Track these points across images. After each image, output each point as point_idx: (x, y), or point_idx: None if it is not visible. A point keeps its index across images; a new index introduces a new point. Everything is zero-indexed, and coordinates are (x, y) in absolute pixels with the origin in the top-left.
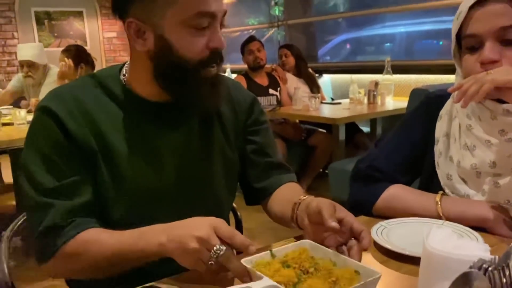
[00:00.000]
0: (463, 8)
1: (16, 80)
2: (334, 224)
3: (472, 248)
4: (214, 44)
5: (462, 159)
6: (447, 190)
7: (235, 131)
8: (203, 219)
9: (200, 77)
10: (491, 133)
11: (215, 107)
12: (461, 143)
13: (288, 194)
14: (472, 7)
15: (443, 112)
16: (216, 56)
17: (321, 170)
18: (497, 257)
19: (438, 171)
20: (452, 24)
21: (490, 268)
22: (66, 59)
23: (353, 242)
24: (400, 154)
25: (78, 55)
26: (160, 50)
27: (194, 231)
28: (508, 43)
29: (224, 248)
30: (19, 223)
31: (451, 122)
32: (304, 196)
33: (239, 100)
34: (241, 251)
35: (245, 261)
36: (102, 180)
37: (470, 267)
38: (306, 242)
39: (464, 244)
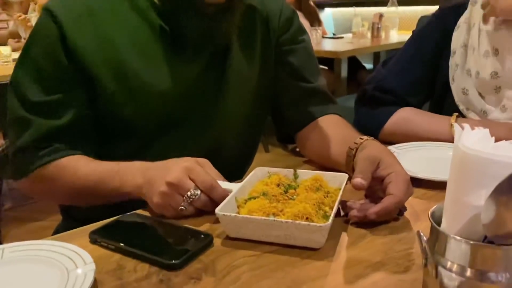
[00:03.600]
0: None
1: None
2: (356, 180)
3: None
4: None
5: (481, 69)
6: (461, 107)
7: (262, 46)
8: (180, 160)
9: None
10: None
11: (221, 41)
12: (481, 51)
13: (340, 130)
14: None
15: (462, 20)
16: None
17: None
18: None
19: (452, 86)
20: None
21: None
22: None
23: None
24: (411, 72)
25: None
26: None
27: (166, 174)
28: None
29: (199, 192)
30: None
31: (469, 31)
32: (362, 139)
33: (273, 12)
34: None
35: (261, 169)
36: (107, 97)
37: None
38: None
39: (505, 145)
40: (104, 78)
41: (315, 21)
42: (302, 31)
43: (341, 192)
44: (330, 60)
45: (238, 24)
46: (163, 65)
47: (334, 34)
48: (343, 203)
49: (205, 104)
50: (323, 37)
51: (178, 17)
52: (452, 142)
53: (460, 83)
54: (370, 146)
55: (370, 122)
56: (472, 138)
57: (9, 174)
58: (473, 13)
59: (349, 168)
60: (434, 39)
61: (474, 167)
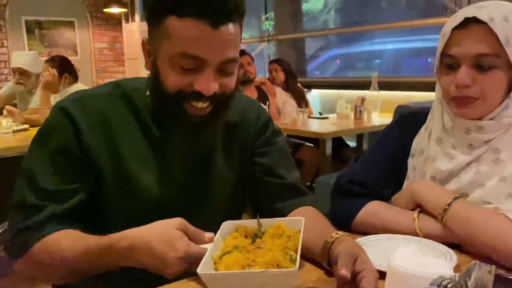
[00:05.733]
0: (447, 29)
1: (8, 86)
2: (342, 272)
3: (435, 266)
4: (198, 87)
5: (427, 171)
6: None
7: (240, 151)
8: (169, 245)
9: (184, 111)
10: (459, 147)
11: (208, 142)
12: (429, 153)
13: (315, 223)
14: (455, 29)
15: (423, 127)
16: (199, 96)
17: (308, 183)
18: (457, 274)
19: (406, 182)
20: (438, 42)
21: (449, 285)
22: (50, 68)
23: None
24: (379, 168)
25: (62, 65)
26: (152, 75)
27: (164, 269)
28: (483, 70)
29: None
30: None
31: (425, 137)
32: (337, 233)
33: (251, 120)
34: None
35: (228, 223)
36: (107, 191)
37: (431, 284)
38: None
39: (429, 261)
40: (106, 176)
41: (302, 101)
42: (277, 133)
43: (301, 236)
44: (315, 138)
45: (219, 132)
46: (155, 170)
47: (320, 114)
48: None
49: (189, 206)
50: (309, 117)
51: (167, 124)
52: (415, 235)
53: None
54: (346, 241)
55: (343, 213)
56: (403, 254)
57: (8, 254)
58: (429, 121)
59: (324, 258)
60: (396, 141)
61: (400, 280)
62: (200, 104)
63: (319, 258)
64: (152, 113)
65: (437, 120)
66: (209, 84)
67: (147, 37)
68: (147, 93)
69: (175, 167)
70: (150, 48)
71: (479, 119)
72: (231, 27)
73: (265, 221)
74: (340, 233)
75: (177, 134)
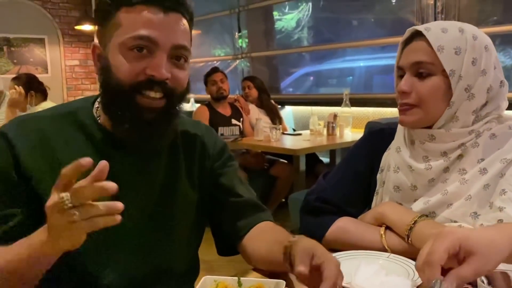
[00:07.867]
0: (399, 45)
1: None
2: (299, 268)
3: (396, 285)
4: (151, 71)
5: (395, 183)
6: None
7: (201, 173)
8: None
9: (136, 104)
10: (416, 158)
11: (158, 144)
12: (391, 164)
13: (274, 234)
14: (404, 44)
15: (392, 143)
16: (152, 84)
17: (283, 200)
18: None
19: (375, 197)
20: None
21: None
22: (16, 86)
23: None
24: (347, 184)
25: (29, 82)
26: (102, 72)
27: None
28: (421, 77)
29: (68, 194)
30: None
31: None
32: (294, 237)
33: (209, 145)
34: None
35: (209, 278)
36: None
37: None
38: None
39: (390, 280)
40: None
41: (276, 118)
42: (232, 158)
43: None
44: (289, 155)
45: (175, 130)
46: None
47: (294, 130)
48: None
49: (152, 227)
50: (283, 133)
51: (119, 123)
52: (383, 251)
53: (384, 197)
54: (302, 241)
55: (313, 231)
56: (365, 274)
57: None
58: (396, 138)
59: (286, 264)
60: (364, 157)
61: None
62: (153, 94)
63: (281, 267)
64: (101, 124)
65: (399, 134)
66: (161, 67)
67: (97, 41)
68: (96, 106)
69: (129, 188)
70: (101, 51)
71: (430, 128)
72: (181, 18)
73: (245, 280)
74: (297, 236)
75: (127, 142)
